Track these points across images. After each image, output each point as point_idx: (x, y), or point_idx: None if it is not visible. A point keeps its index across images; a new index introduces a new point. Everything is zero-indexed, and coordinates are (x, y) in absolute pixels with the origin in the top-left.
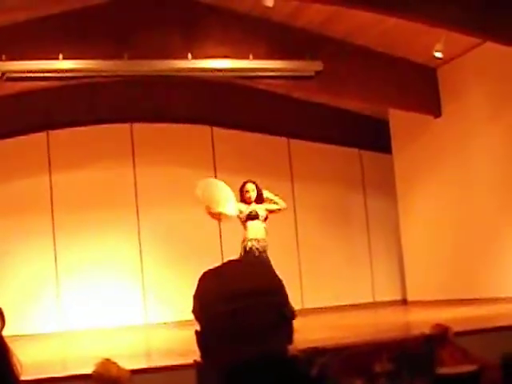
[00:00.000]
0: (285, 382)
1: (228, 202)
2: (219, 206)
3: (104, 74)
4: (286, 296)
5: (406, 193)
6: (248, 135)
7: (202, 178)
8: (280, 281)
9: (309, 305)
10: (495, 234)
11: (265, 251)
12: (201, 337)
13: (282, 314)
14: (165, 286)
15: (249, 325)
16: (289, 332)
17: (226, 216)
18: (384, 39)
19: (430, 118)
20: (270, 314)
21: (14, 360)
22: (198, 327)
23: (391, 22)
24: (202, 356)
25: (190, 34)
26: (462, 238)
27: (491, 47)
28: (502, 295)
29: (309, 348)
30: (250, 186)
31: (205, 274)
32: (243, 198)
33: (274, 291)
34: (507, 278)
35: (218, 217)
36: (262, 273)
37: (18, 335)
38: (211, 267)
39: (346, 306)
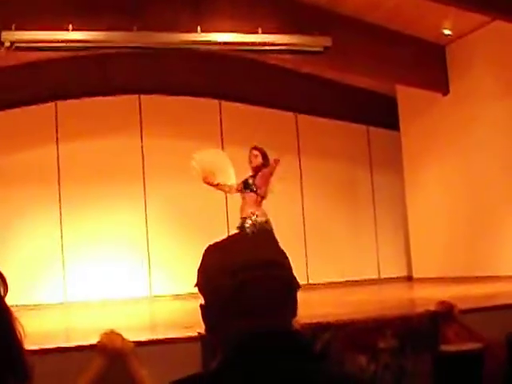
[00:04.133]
0: (289, 356)
1: (224, 172)
2: (216, 176)
3: (113, 45)
4: (290, 268)
5: (413, 170)
6: (256, 109)
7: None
8: (284, 253)
9: (314, 280)
10: (503, 211)
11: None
12: (205, 310)
13: (287, 287)
14: (170, 259)
15: (253, 298)
16: (293, 305)
17: (226, 185)
18: (393, 16)
19: (438, 95)
20: (274, 288)
21: (17, 324)
22: (202, 301)
23: None
24: (207, 329)
25: (199, 7)
26: (468, 215)
27: (500, 25)
28: (509, 273)
29: (313, 323)
30: (253, 152)
31: (209, 247)
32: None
33: (279, 264)
34: None
35: (218, 188)
36: (267, 246)
37: (23, 305)
38: (216, 241)
39: (351, 281)
